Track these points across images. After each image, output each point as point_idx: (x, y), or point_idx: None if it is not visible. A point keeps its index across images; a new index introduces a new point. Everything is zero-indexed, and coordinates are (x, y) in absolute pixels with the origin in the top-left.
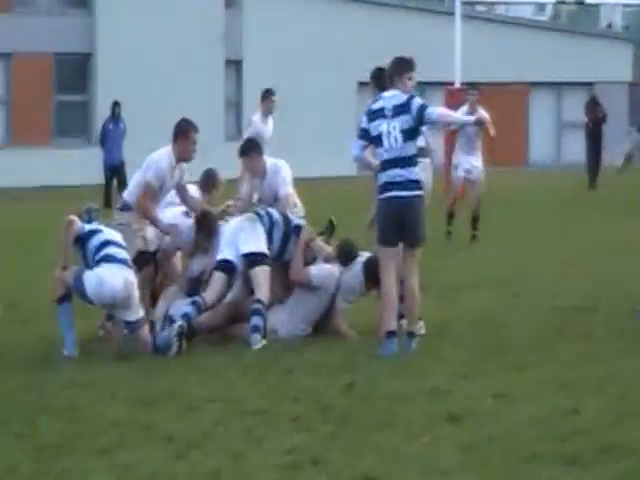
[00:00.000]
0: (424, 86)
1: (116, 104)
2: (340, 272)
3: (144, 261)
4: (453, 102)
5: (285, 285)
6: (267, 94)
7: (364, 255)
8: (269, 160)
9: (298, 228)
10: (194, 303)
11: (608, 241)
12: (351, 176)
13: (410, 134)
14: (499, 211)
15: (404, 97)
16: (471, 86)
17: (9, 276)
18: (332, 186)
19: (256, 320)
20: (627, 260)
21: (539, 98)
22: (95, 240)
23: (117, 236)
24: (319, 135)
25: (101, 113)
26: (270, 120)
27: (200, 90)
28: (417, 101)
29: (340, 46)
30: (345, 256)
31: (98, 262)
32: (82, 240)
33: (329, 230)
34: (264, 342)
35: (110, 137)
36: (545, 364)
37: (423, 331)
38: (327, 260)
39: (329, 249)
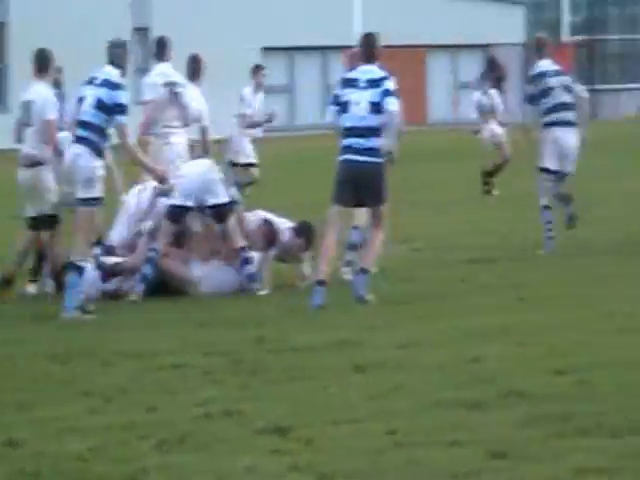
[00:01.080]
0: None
1: None
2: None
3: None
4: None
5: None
6: (257, 69)
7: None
8: None
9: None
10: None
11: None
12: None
13: (376, 107)
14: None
15: (379, 72)
16: None
17: None
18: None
19: None
20: (519, 213)
21: (435, 60)
22: None
23: None
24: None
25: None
26: (260, 95)
27: None
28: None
29: (243, 11)
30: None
31: None
32: None
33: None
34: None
35: None
36: (447, 314)
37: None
38: (248, 235)
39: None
